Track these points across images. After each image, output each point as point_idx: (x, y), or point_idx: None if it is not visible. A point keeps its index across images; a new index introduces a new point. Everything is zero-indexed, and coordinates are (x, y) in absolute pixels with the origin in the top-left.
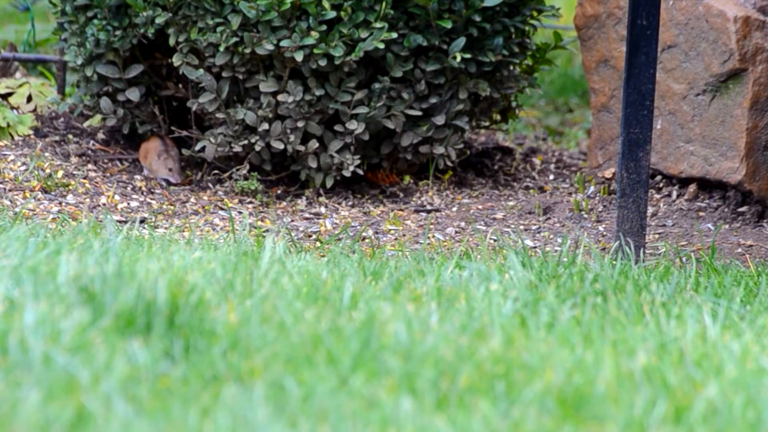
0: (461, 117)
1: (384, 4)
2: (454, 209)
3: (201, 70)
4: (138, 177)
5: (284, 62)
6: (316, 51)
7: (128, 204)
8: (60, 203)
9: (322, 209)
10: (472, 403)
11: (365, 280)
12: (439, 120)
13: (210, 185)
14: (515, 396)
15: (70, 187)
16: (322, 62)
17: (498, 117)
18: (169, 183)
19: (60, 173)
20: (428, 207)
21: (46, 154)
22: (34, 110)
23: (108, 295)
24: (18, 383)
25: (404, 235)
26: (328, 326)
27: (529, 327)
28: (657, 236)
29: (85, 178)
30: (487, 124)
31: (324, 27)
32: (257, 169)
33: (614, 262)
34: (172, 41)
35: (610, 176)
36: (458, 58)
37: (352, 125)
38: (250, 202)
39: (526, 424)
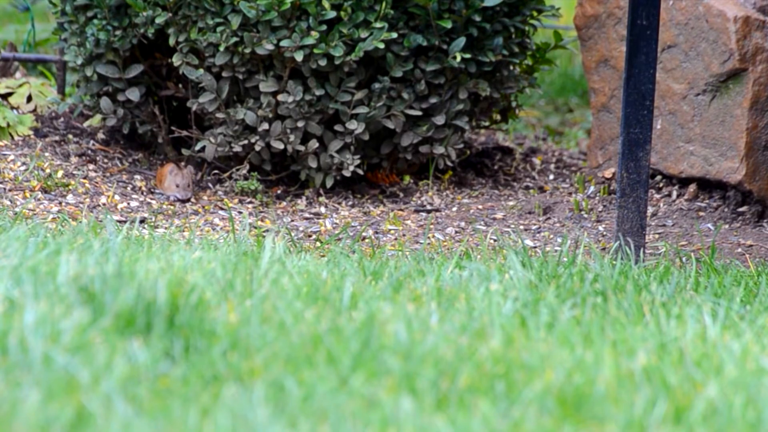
0: (461, 117)
1: (384, 4)
2: (454, 209)
3: (201, 70)
4: (138, 177)
5: (284, 62)
6: (316, 51)
7: (128, 204)
8: (60, 203)
9: (322, 209)
10: (472, 403)
11: (365, 280)
12: (439, 120)
13: (210, 185)
14: (515, 396)
15: (70, 187)
16: (322, 62)
17: (498, 117)
18: (177, 199)
19: (60, 173)
20: (428, 207)
21: (46, 154)
22: (34, 110)
23: (108, 295)
24: (18, 383)
25: (404, 235)
26: (328, 326)
27: (529, 327)
28: (657, 236)
29: (85, 178)
30: (487, 124)
31: (324, 27)
32: (257, 169)
33: (614, 262)
34: (172, 41)
35: (610, 176)
36: (458, 58)
37: (352, 125)
38: (250, 202)
39: (526, 424)
